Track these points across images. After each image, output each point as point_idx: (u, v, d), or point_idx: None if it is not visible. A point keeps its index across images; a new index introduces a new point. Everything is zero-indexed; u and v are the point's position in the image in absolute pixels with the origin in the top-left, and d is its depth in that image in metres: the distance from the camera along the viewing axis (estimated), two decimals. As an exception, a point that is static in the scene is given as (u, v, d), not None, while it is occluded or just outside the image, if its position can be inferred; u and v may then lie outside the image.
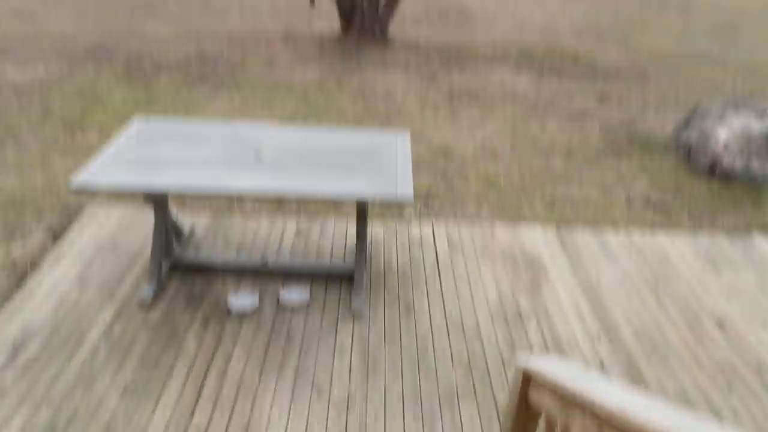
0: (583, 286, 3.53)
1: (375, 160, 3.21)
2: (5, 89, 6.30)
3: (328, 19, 9.43)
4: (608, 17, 10.90)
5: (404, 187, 2.94)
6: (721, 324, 3.28)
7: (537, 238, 4.00)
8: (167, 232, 3.42)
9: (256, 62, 7.47)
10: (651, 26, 10.47)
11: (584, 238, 4.03)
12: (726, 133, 5.12)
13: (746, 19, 11.26)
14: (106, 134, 5.33)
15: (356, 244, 3.34)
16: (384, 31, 8.39)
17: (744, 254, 3.93)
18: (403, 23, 9.62)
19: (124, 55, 7.57)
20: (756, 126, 5.12)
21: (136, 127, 3.44)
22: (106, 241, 3.72)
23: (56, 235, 3.80)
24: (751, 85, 7.75)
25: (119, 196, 4.15)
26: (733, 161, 5.06)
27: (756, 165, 5.03)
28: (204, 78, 6.88)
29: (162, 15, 9.57)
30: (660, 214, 4.51)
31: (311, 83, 6.86)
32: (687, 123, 5.65)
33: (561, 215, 4.42)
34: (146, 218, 3.95)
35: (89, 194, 4.10)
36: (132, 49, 7.77)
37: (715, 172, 5.11)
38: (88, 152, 5.00)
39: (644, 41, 9.53)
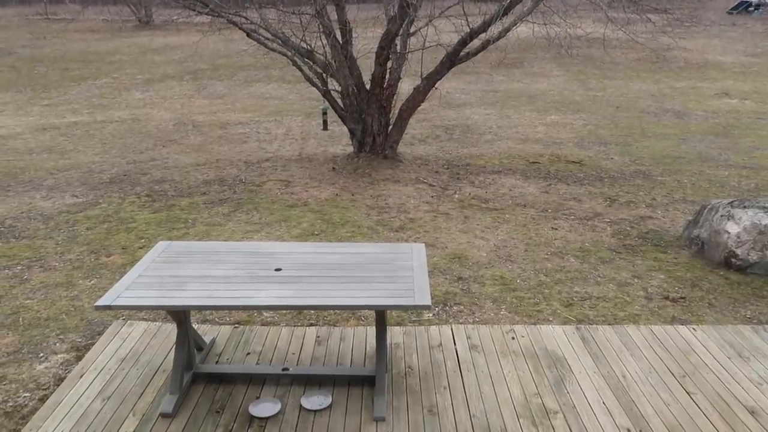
0: (609, 382, 3.43)
1: (392, 270, 3.30)
2: (34, 217, 6.62)
3: (340, 142, 9.97)
4: (608, 127, 11.41)
5: (421, 294, 3.00)
6: (754, 413, 3.14)
7: (558, 337, 3.95)
8: (189, 345, 3.45)
9: (273, 183, 7.83)
10: (650, 133, 10.91)
11: (606, 335, 3.98)
12: (737, 228, 5.18)
13: (741, 122, 11.72)
14: (129, 255, 5.52)
15: (376, 349, 3.34)
16: (394, 150, 8.83)
17: (773, 344, 3.83)
18: (412, 142, 10.13)
19: (147, 182, 7.98)
20: (766, 221, 5.18)
21: (159, 249, 3.60)
22: (128, 355, 3.74)
23: (80, 352, 3.83)
24: (756, 180, 7.92)
25: (142, 312, 4.22)
26: (747, 254, 5.07)
27: (772, 256, 5.02)
28: (223, 200, 7.19)
29: (183, 146, 10.19)
30: (680, 308, 4.46)
31: (326, 200, 7.13)
32: (696, 220, 5.74)
33: (580, 313, 4.39)
34: (168, 331, 3.99)
35: (113, 312, 4.18)
36: (155, 177, 8.21)
37: (731, 264, 5.11)
38: (111, 273, 5.16)
39: (645, 146, 9.89)
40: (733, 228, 5.17)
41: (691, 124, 11.62)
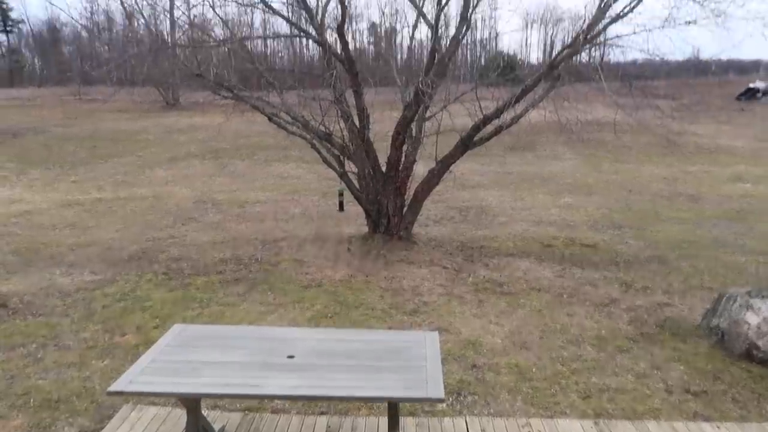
0: (632, 485, 3.29)
1: (405, 359, 3.28)
2: (52, 294, 6.70)
3: (355, 223, 10.11)
4: (621, 210, 11.47)
5: (435, 386, 2.97)
6: None
7: (576, 432, 3.82)
8: (197, 432, 3.40)
9: (289, 263, 7.90)
10: (664, 217, 10.93)
11: (625, 431, 3.84)
12: (756, 319, 5.09)
13: (755, 207, 11.72)
14: (143, 336, 5.53)
15: (388, 441, 3.26)
16: (409, 231, 8.92)
17: (803, 445, 3.67)
18: (427, 223, 10.24)
19: (164, 260, 8.09)
20: (786, 309, 5.09)
21: (175, 333, 3.63)
22: (135, 443, 3.67)
23: (86, 437, 3.78)
24: (774, 268, 7.83)
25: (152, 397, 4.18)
26: (770, 345, 4.95)
27: (795, 348, 4.90)
28: (239, 279, 7.24)
29: (202, 223, 10.39)
30: (702, 403, 4.32)
31: (340, 281, 7.15)
32: (715, 309, 5.66)
33: (598, 406, 4.26)
34: (178, 417, 3.93)
35: (124, 396, 4.14)
36: (172, 255, 8.33)
37: (753, 356, 4.97)
38: (125, 353, 5.15)
39: (660, 230, 9.89)
40: (752, 319, 5.08)
41: (705, 209, 11.65)
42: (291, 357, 3.30)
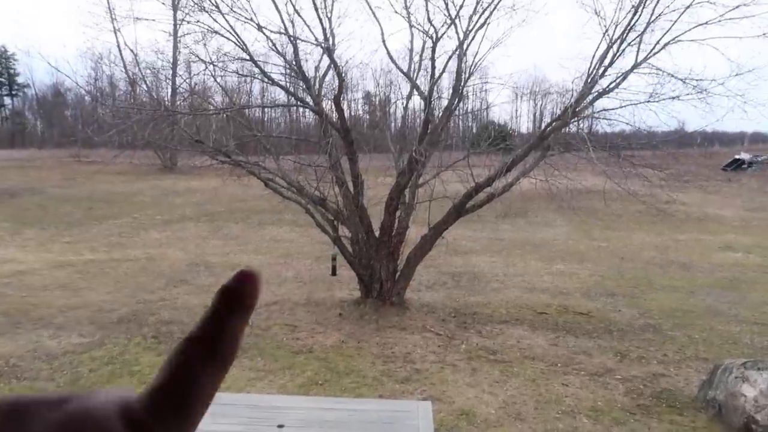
0: None
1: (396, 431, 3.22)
2: (39, 357, 6.57)
3: (348, 287, 10.07)
4: (614, 278, 11.50)
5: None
6: None
7: None
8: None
9: (279, 328, 7.81)
10: (657, 285, 10.95)
11: (624, 508, 3.72)
12: (753, 392, 5.04)
13: (747, 276, 11.78)
14: (128, 401, 5.39)
15: None
16: (401, 296, 8.90)
17: None
18: (419, 288, 10.21)
19: (154, 323, 7.99)
20: (781, 380, 5.05)
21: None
22: None
23: None
24: (768, 338, 7.80)
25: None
26: None
27: (793, 422, 4.82)
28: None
29: (194, 286, 10.32)
30: (702, 479, 4.21)
31: (332, 347, 7.06)
32: (711, 380, 5.60)
33: (595, 481, 4.14)
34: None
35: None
36: (162, 318, 8.23)
37: (751, 430, 4.89)
38: (108, 420, 5.01)
39: (653, 299, 9.89)
40: (749, 391, 5.03)
41: (697, 277, 11.69)
42: (281, 426, 3.23)
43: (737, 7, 7.40)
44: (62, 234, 15.88)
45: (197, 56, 9.11)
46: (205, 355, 0.29)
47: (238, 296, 0.29)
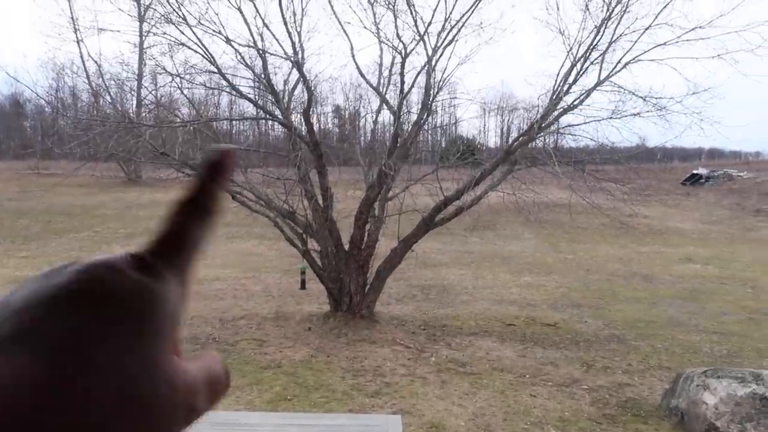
0: None
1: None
2: None
3: (317, 301, 10.00)
4: (580, 290, 11.70)
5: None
6: None
7: None
8: None
9: (247, 343, 7.69)
10: (621, 296, 11.19)
11: None
12: (713, 399, 5.17)
13: (706, 287, 12.13)
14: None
15: None
16: (371, 310, 8.86)
17: None
18: (389, 301, 10.21)
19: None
20: (740, 391, 5.19)
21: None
22: None
23: None
24: (727, 346, 8.02)
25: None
26: (728, 426, 5.00)
27: (751, 430, 4.96)
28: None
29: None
30: (667, 487, 4.29)
31: (300, 361, 6.98)
32: (674, 389, 5.73)
33: (564, 492, 4.17)
34: None
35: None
36: (127, 334, 8.01)
37: (713, 437, 5.00)
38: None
39: (618, 310, 10.09)
40: (710, 399, 5.15)
41: (659, 288, 11.99)
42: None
43: (693, 29, 7.72)
44: (19, 248, 15.37)
45: (163, 68, 8.98)
46: (195, 210, 0.35)
47: (219, 166, 0.36)
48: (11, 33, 70.32)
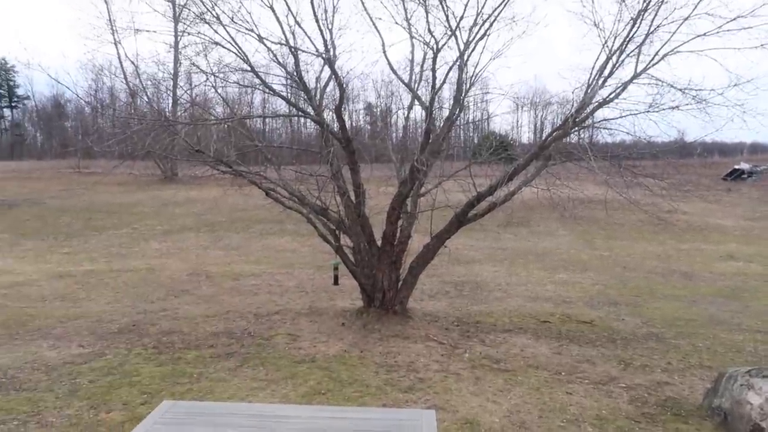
0: None
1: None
2: (38, 368, 6.52)
3: (350, 297, 10.04)
4: (616, 287, 11.47)
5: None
6: None
7: None
8: None
9: (282, 338, 7.77)
10: (659, 294, 10.92)
11: None
12: (758, 399, 5.00)
13: (749, 285, 11.75)
14: (129, 412, 5.35)
15: None
16: (404, 305, 8.85)
17: None
18: (422, 297, 10.18)
19: (155, 333, 7.95)
20: (787, 388, 5.01)
21: (163, 410, 3.51)
22: None
23: None
24: (772, 347, 7.76)
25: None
26: (774, 426, 4.83)
27: (800, 430, 4.78)
28: (230, 354, 7.10)
29: (195, 296, 10.28)
30: (710, 488, 4.16)
31: (334, 356, 7.02)
32: (716, 389, 5.56)
33: (602, 491, 4.09)
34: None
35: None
36: (163, 328, 8.19)
37: (758, 439, 4.84)
38: None
39: (656, 308, 9.85)
40: (755, 399, 4.98)
41: (699, 286, 11.66)
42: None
43: (735, 19, 7.44)
44: (61, 245, 15.85)
45: (198, 67, 9.12)
46: None
47: None
48: (52, 35, 72.48)
